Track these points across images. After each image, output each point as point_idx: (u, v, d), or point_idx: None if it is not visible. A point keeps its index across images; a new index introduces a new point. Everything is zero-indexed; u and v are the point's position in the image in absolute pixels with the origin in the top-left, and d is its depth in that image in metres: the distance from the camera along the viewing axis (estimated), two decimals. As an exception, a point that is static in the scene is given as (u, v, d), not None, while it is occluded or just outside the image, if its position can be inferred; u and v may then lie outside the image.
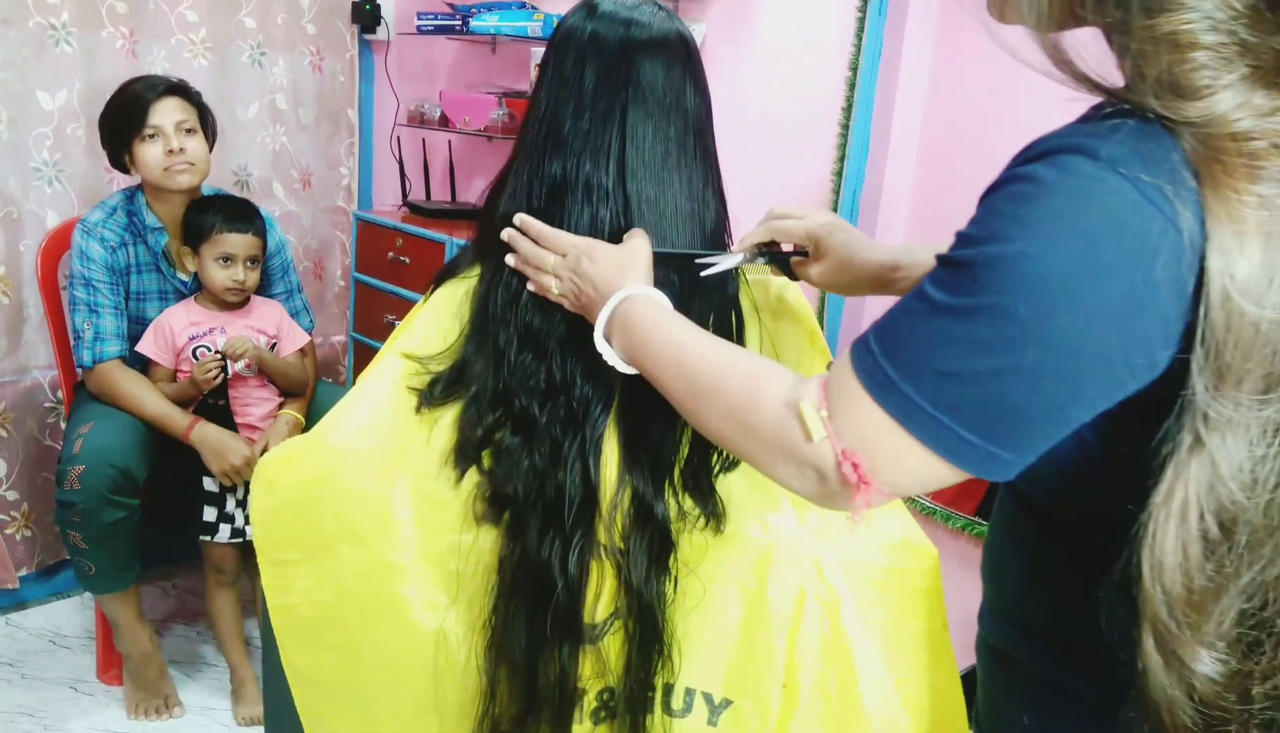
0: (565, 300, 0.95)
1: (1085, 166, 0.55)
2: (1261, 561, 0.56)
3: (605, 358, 0.90)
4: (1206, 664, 0.57)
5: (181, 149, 1.97)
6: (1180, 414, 0.56)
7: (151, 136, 1.96)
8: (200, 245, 1.99)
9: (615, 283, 0.90)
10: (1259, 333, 0.53)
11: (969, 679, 1.02)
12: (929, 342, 0.60)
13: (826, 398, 0.67)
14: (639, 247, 0.94)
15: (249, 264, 2.02)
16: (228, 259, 1.99)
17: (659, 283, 0.94)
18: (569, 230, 0.97)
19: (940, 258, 0.61)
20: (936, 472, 0.63)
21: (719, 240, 1.04)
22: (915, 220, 2.11)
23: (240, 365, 2.02)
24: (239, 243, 1.99)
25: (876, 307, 1.96)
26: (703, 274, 0.99)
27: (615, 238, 0.97)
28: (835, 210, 2.09)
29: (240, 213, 2.03)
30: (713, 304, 1.02)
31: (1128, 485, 0.59)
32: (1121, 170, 0.54)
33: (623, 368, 0.89)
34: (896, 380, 0.61)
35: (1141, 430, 0.58)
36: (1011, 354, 0.57)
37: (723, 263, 1.00)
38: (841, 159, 2.07)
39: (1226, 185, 0.53)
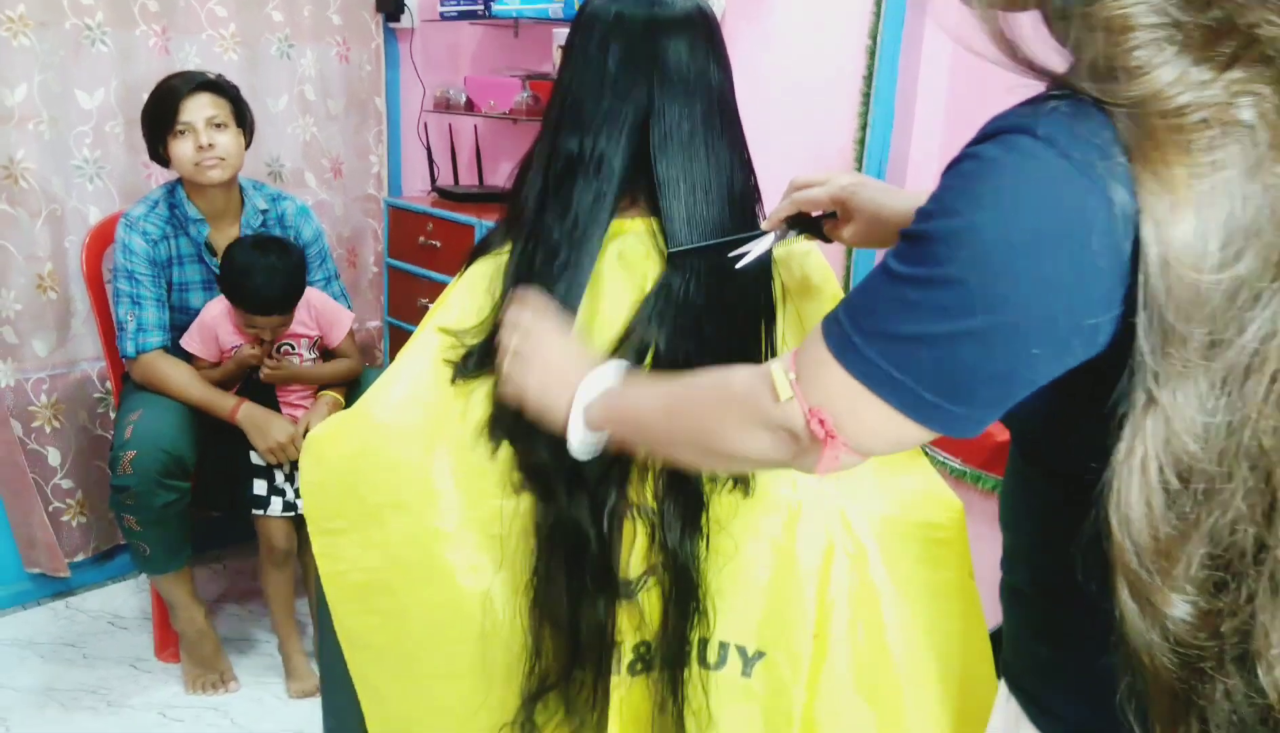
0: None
1: (1026, 144, 0.59)
2: (1220, 507, 0.59)
3: (577, 449, 0.92)
4: (1179, 608, 0.61)
5: (211, 145, 2.02)
6: (1132, 375, 0.59)
7: (182, 133, 2.02)
8: (235, 307, 2.06)
9: (552, 392, 0.93)
10: (1199, 294, 0.56)
11: (998, 637, 1.05)
12: (891, 309, 0.64)
13: (796, 365, 0.71)
14: (535, 330, 0.96)
15: (276, 327, 2.08)
16: (252, 327, 2.07)
17: (690, 273, 0.98)
18: (575, 208, 1.00)
19: (902, 233, 0.65)
20: (903, 430, 0.67)
21: (749, 213, 1.06)
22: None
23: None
24: (264, 323, 2.06)
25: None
26: (738, 265, 1.00)
27: (609, 215, 1.01)
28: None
29: (264, 304, 2.03)
30: (744, 293, 1.04)
31: (1094, 444, 0.62)
32: (1056, 147, 0.58)
33: (599, 445, 0.92)
34: (860, 345, 0.66)
35: (1099, 392, 0.62)
36: (963, 319, 0.61)
37: (755, 249, 1.00)
38: (864, 128, 2.08)
39: (1157, 160, 0.56)
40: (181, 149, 2.02)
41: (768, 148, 2.06)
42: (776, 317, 1.07)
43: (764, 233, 1.03)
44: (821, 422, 0.68)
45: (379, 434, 1.03)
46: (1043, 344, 0.61)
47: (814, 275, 1.13)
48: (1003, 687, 0.85)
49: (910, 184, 2.11)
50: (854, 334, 0.66)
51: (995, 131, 0.61)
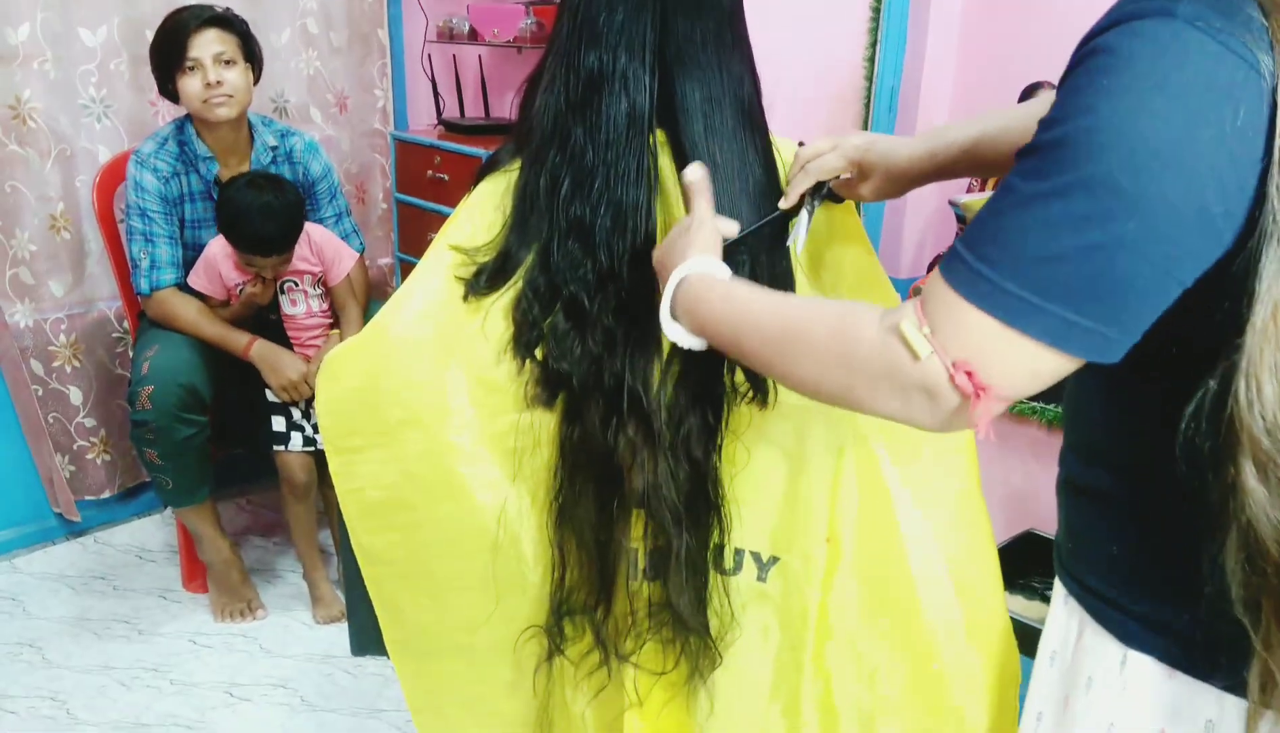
0: None
1: (1162, 27, 0.56)
2: None
3: (672, 338, 0.89)
4: None
5: (219, 82, 2.00)
6: (1262, 241, 0.57)
7: (191, 69, 2.00)
8: (237, 251, 2.07)
9: (670, 263, 0.89)
10: None
11: (1008, 551, 1.06)
12: (1024, 231, 0.60)
13: (925, 316, 0.65)
14: (701, 221, 0.93)
15: (276, 266, 2.08)
16: (251, 265, 2.07)
17: (746, 260, 0.98)
18: (605, 124, 0.99)
19: (1023, 150, 0.61)
20: (1049, 364, 0.62)
21: (761, 128, 1.05)
22: (958, 108, 2.08)
23: (294, 307, 2.11)
24: (262, 264, 2.06)
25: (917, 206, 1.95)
26: (789, 243, 1.02)
27: (650, 127, 0.99)
28: (870, 107, 2.07)
29: (263, 244, 2.02)
30: (772, 265, 1.02)
31: (1205, 319, 0.60)
32: (1199, 24, 0.55)
33: (690, 344, 0.88)
34: (995, 279, 0.61)
35: (1219, 280, 0.59)
36: (1111, 225, 0.57)
37: (800, 229, 1.01)
38: (873, 45, 2.03)
39: None
40: (190, 86, 2.01)
41: (776, 65, 2.03)
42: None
43: (789, 209, 1.02)
44: (969, 374, 0.62)
45: (395, 350, 1.04)
46: (1201, 241, 0.58)
47: (839, 223, 1.12)
48: (1060, 589, 0.83)
49: (923, 104, 2.07)
50: (984, 268, 0.61)
51: (1120, 19, 0.58)
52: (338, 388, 1.07)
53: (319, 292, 2.17)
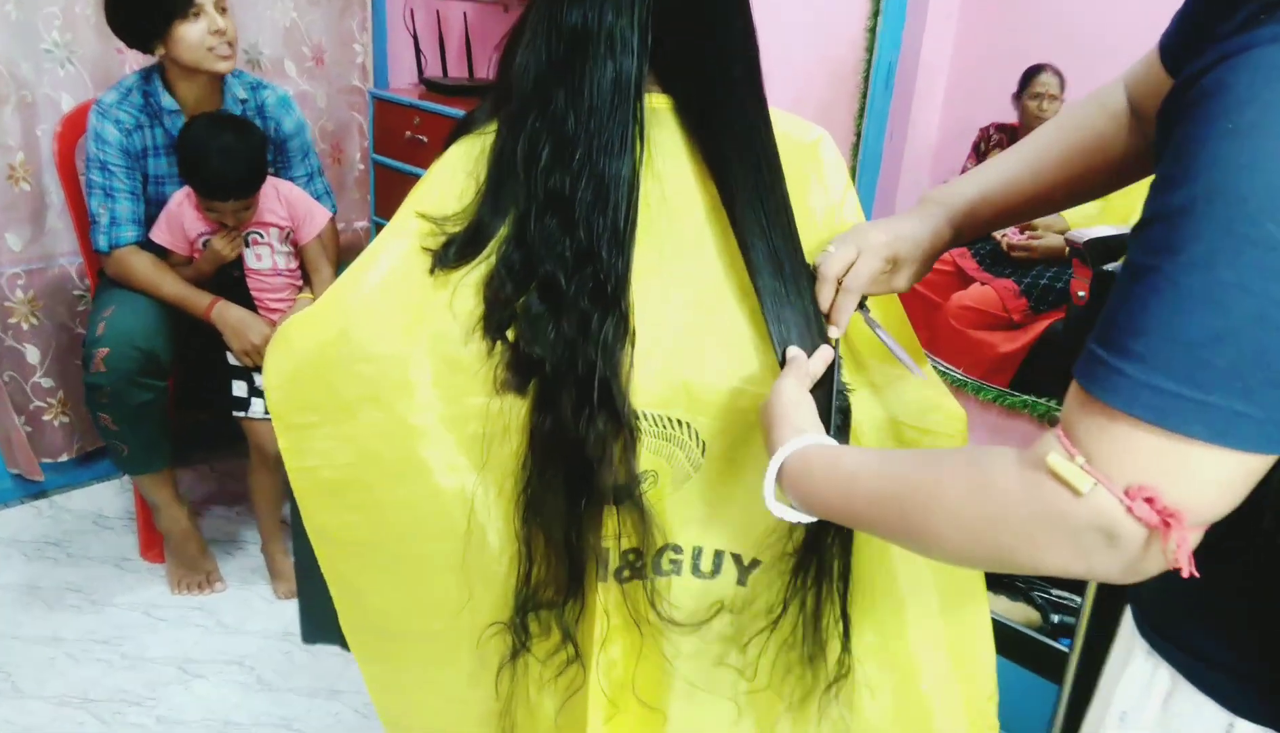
0: None
1: None
2: None
3: (781, 516, 0.81)
4: None
5: (222, 30, 1.90)
6: None
7: (195, 15, 1.89)
8: (198, 197, 1.97)
9: (772, 443, 0.81)
10: None
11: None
12: (1164, 315, 0.52)
13: (1072, 441, 0.56)
14: (792, 399, 0.85)
15: (237, 213, 1.98)
16: (212, 211, 1.97)
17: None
18: (589, 89, 0.91)
19: (1140, 224, 0.54)
20: (1235, 469, 0.53)
21: (758, 86, 0.97)
22: (953, 91, 2.01)
23: (258, 261, 2.01)
24: (221, 208, 1.95)
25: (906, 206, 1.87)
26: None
27: (638, 94, 0.92)
28: (869, 81, 1.99)
29: (221, 187, 1.92)
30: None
31: None
32: None
33: (801, 519, 0.80)
34: (1142, 377, 0.53)
35: None
36: (1273, 285, 0.49)
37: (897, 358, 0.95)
38: (874, 31, 1.96)
39: None
40: (193, 33, 1.89)
41: (775, 32, 1.95)
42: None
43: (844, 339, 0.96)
44: (1149, 500, 0.53)
45: (353, 320, 0.97)
46: None
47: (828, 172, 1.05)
48: (1139, 642, 0.75)
49: (920, 80, 2.00)
50: (1129, 368, 0.53)
51: (1228, 53, 0.51)
52: (288, 361, 1.00)
53: (287, 249, 2.08)
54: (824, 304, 0.93)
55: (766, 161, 0.94)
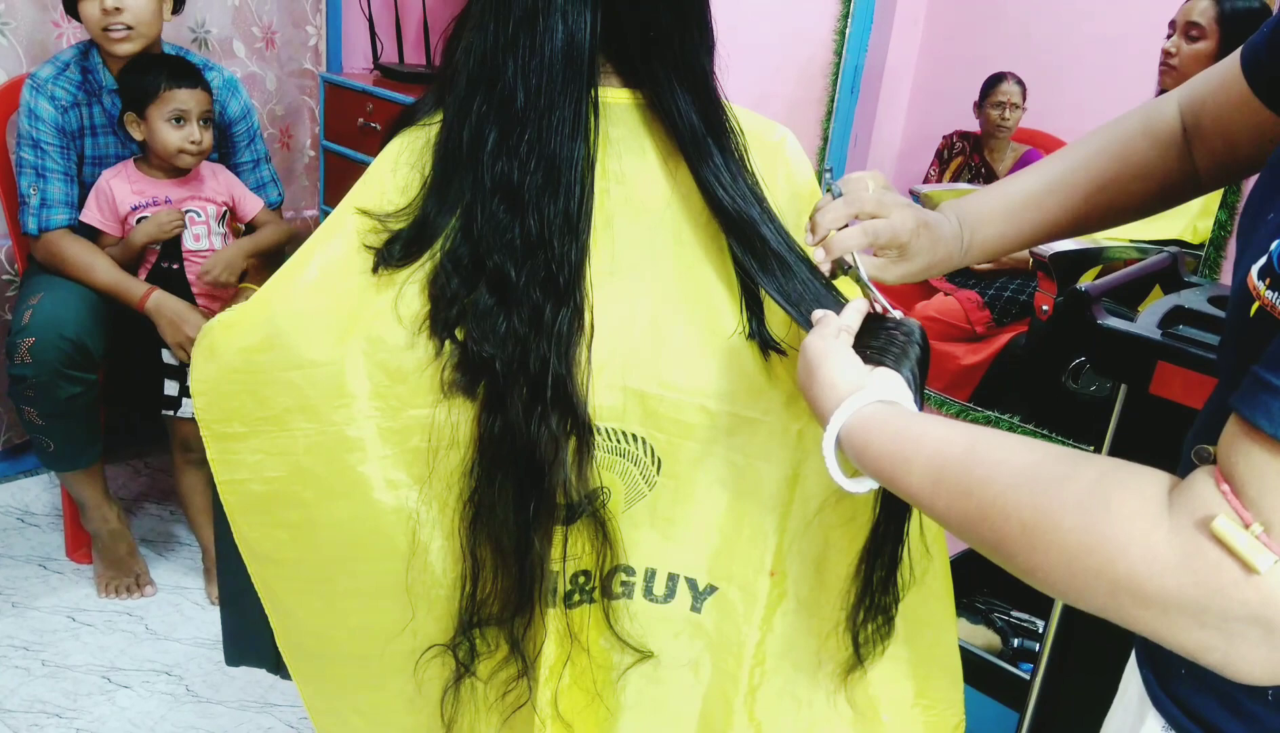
0: None
1: None
2: None
3: (839, 482, 0.72)
4: None
5: (117, 9, 1.79)
6: None
7: None
8: (147, 107, 1.86)
9: (819, 413, 0.72)
10: None
11: (954, 567, 0.97)
12: None
13: (1244, 499, 0.46)
14: (813, 345, 0.76)
15: (202, 123, 1.88)
16: (180, 118, 1.86)
17: None
18: (539, 64, 0.85)
19: None
20: None
21: (711, 86, 0.92)
22: (917, 96, 1.98)
23: (196, 243, 1.92)
24: (190, 98, 1.86)
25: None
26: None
27: (591, 69, 0.86)
28: (836, 83, 1.95)
29: (186, 69, 1.89)
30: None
31: None
32: None
33: (857, 488, 0.72)
34: None
35: None
36: None
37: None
38: (843, 34, 1.91)
39: None
40: (87, 11, 1.81)
41: (743, 28, 1.91)
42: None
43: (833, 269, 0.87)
44: None
45: (283, 324, 0.89)
46: None
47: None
48: (1151, 713, 0.67)
49: (886, 84, 1.97)
50: None
51: None
52: (214, 366, 0.92)
53: (223, 231, 1.99)
54: (827, 225, 0.84)
55: (734, 148, 0.90)
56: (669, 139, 0.90)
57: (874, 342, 0.79)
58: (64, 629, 1.92)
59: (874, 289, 0.85)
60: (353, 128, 2.51)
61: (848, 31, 1.90)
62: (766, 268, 0.86)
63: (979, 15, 1.81)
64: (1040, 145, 1.98)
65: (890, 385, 0.71)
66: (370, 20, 2.71)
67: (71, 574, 2.08)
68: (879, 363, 0.75)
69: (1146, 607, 0.49)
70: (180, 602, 2.03)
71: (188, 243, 1.94)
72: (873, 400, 0.68)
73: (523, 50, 0.85)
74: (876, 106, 2.01)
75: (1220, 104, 0.79)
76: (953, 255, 0.88)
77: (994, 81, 2.08)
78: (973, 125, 2.11)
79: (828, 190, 0.87)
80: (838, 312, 0.82)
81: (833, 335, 0.76)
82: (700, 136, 0.88)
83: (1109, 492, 0.50)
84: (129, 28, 1.82)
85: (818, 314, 0.82)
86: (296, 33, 2.68)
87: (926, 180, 2.29)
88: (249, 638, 1.10)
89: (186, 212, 1.93)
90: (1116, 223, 0.88)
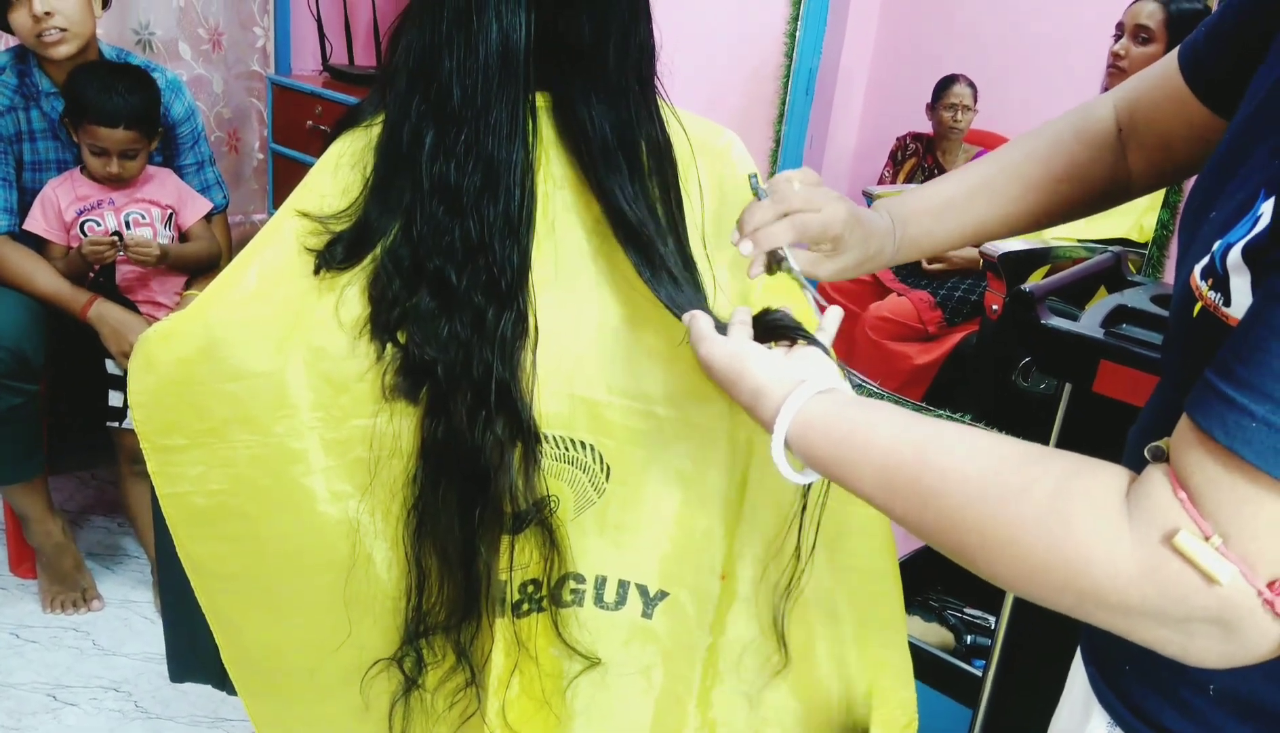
0: None
1: None
2: None
3: (784, 474, 0.70)
4: None
5: (48, 14, 1.75)
6: None
7: (14, 2, 1.74)
8: (77, 128, 1.83)
9: (760, 417, 0.70)
10: None
11: (907, 565, 0.97)
12: None
13: (1202, 509, 0.47)
14: (717, 349, 0.75)
15: (124, 158, 1.85)
16: (99, 152, 1.83)
17: None
18: (474, 64, 0.83)
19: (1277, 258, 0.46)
20: None
21: (649, 82, 0.90)
22: (871, 98, 2.00)
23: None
24: (109, 138, 1.82)
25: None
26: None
27: (527, 69, 0.84)
28: (789, 87, 1.96)
29: (109, 110, 1.79)
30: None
31: None
32: None
33: (801, 480, 0.71)
34: None
35: None
36: None
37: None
38: (793, 36, 1.92)
39: None
40: (17, 19, 1.76)
41: (693, 32, 1.91)
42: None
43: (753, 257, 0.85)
44: None
45: (221, 334, 0.88)
46: None
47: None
48: (1097, 713, 0.67)
49: (840, 87, 1.98)
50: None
51: None
52: (153, 377, 0.90)
53: (170, 234, 1.95)
54: (755, 224, 0.83)
55: (646, 164, 0.88)
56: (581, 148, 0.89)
57: (764, 320, 0.78)
58: (7, 647, 1.87)
59: (807, 284, 0.85)
60: (302, 130, 2.48)
61: (798, 34, 1.91)
62: (659, 279, 0.85)
63: (931, 15, 1.83)
64: (992, 146, 2.01)
65: (821, 370, 0.71)
66: (319, 21, 2.68)
67: (15, 590, 2.03)
68: (788, 339, 0.75)
69: (1110, 611, 0.50)
70: (129, 616, 1.99)
71: (141, 260, 1.90)
72: (812, 393, 0.67)
73: (458, 48, 0.83)
74: (831, 108, 2.02)
75: (1156, 103, 0.79)
76: (885, 250, 0.88)
77: (946, 83, 2.10)
78: (927, 126, 2.14)
79: (755, 194, 0.87)
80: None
81: (738, 333, 0.75)
82: (611, 149, 0.87)
83: (1068, 506, 0.51)
84: (62, 30, 1.78)
85: (687, 316, 0.80)
86: (244, 34, 2.64)
87: (880, 181, 2.31)
88: (193, 653, 1.08)
89: (129, 213, 1.89)
90: (1049, 223, 0.89)
